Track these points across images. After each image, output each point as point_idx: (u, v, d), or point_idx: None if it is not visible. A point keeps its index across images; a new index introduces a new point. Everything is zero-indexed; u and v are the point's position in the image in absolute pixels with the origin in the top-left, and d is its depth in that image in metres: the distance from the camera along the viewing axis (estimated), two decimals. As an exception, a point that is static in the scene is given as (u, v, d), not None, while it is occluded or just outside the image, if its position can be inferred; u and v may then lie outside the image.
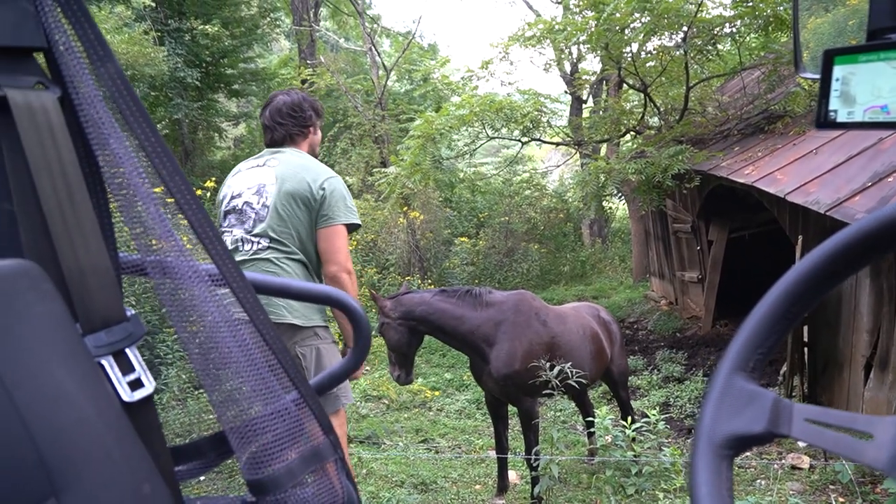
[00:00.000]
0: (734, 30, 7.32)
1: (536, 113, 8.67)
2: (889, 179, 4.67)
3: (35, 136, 0.59)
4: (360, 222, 2.99)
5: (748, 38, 8.04)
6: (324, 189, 2.82)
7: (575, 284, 13.90)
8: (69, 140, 0.61)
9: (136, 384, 0.63)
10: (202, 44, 14.79)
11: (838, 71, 0.73)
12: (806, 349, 5.72)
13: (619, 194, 12.39)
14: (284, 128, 2.97)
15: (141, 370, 0.64)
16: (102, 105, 0.61)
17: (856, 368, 5.23)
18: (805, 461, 4.89)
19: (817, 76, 0.85)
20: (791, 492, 4.29)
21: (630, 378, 6.66)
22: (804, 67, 0.86)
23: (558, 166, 14.17)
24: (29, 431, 0.50)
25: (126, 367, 0.63)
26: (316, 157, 3.09)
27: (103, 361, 0.61)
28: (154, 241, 0.63)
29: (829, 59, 0.73)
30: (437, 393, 7.16)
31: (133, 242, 0.64)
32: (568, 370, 3.89)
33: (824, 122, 0.75)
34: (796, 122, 6.59)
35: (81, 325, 0.61)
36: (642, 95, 9.11)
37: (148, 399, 0.64)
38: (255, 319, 0.69)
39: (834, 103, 0.74)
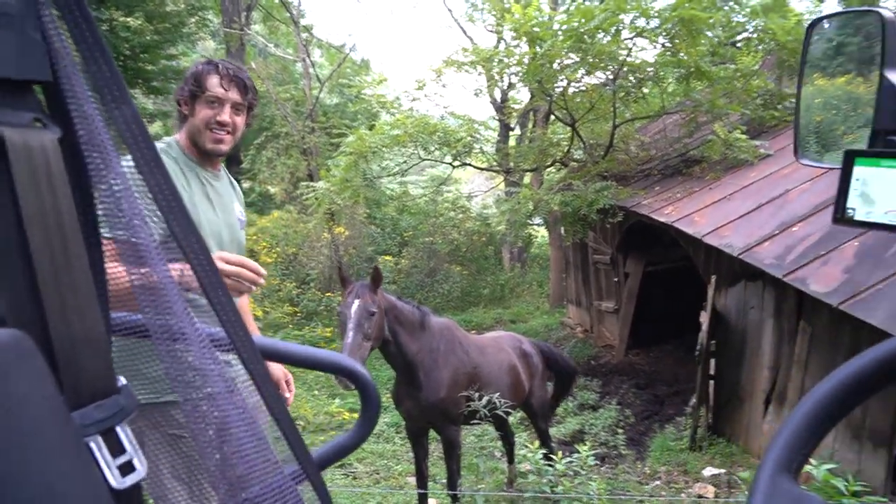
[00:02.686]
0: (658, 76, 7.74)
1: (470, 138, 8.79)
2: (794, 229, 5.05)
3: (31, 182, 0.51)
4: None
5: (669, 85, 8.54)
6: None
7: (494, 307, 14.09)
8: (68, 188, 0.53)
9: (127, 467, 0.55)
10: (122, 36, 14.01)
11: (859, 171, 0.75)
12: (712, 382, 6.05)
13: (542, 223, 12.73)
14: None
15: (133, 451, 0.56)
16: (112, 150, 0.54)
17: (756, 402, 5.58)
18: (710, 490, 5.13)
19: (818, 165, 0.89)
20: (699, 521, 4.47)
21: (548, 405, 6.79)
22: (803, 155, 0.90)
23: (486, 192, 14.38)
24: None
25: (116, 448, 0.55)
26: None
27: (91, 442, 0.53)
28: (161, 305, 0.56)
29: (850, 159, 0.76)
30: (355, 415, 7.00)
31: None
32: (496, 400, 3.91)
33: (842, 217, 0.78)
34: (712, 167, 7.02)
35: (68, 399, 0.53)
36: (569, 129, 9.45)
37: (139, 485, 0.56)
38: (261, 388, 0.63)
39: (853, 201, 0.76)
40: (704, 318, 5.87)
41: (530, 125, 14.18)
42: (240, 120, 2.03)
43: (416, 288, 12.95)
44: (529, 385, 4.83)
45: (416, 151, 9.25)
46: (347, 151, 8.41)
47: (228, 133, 2.01)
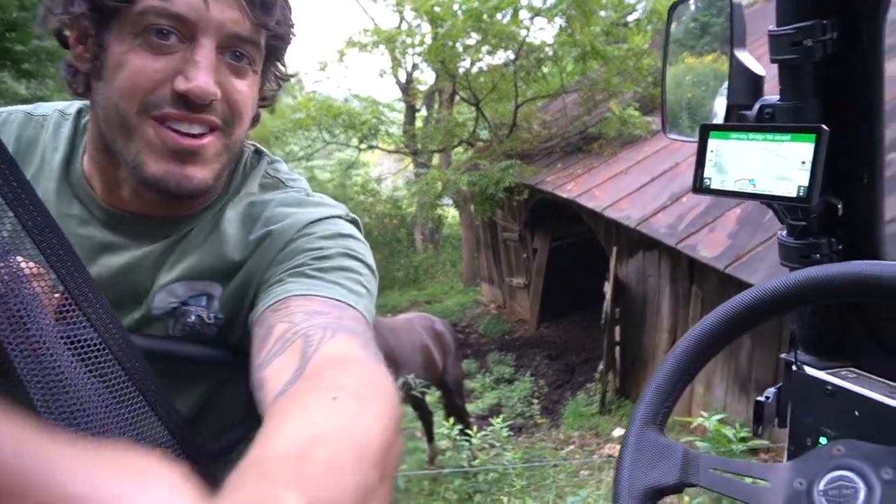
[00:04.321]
0: (556, 56, 7.95)
1: (375, 121, 8.69)
2: (683, 200, 5.37)
3: None
4: None
5: (568, 64, 8.80)
6: None
7: (409, 289, 14.14)
8: None
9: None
10: (-17, 14, 12.70)
11: (713, 144, 0.81)
12: (618, 348, 6.38)
13: (452, 203, 12.85)
14: None
15: None
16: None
17: (658, 363, 5.93)
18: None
19: (683, 139, 0.95)
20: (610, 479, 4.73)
21: (465, 382, 6.93)
22: (671, 130, 0.95)
23: (395, 174, 14.32)
24: None
25: None
26: None
27: None
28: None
29: (704, 133, 0.82)
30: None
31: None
32: (411, 381, 3.95)
33: (700, 187, 0.83)
34: (609, 143, 7.33)
35: None
36: (474, 109, 9.56)
37: None
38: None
39: (708, 171, 0.82)
40: (608, 288, 6.16)
41: (436, 106, 14.22)
42: (245, 89, 0.73)
43: (329, 274, 12.74)
44: (443, 364, 4.91)
45: (320, 135, 9.04)
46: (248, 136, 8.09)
47: (214, 132, 0.72)
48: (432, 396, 6.83)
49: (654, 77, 8.10)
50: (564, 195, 6.63)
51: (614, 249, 6.07)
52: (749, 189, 0.79)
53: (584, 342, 8.76)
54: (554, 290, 9.30)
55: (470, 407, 6.63)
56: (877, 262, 0.61)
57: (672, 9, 0.92)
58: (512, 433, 6.17)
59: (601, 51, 7.51)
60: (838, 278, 0.62)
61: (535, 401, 7.06)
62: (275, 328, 0.64)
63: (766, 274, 4.06)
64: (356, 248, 0.78)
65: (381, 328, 4.32)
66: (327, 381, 0.52)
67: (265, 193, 0.83)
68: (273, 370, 0.58)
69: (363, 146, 9.98)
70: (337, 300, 0.69)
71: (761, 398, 0.88)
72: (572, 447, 5.63)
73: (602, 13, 7.43)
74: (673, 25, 0.93)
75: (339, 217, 0.83)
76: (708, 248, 4.62)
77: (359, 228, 0.86)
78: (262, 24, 0.70)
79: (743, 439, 3.00)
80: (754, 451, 3.57)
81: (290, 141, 10.63)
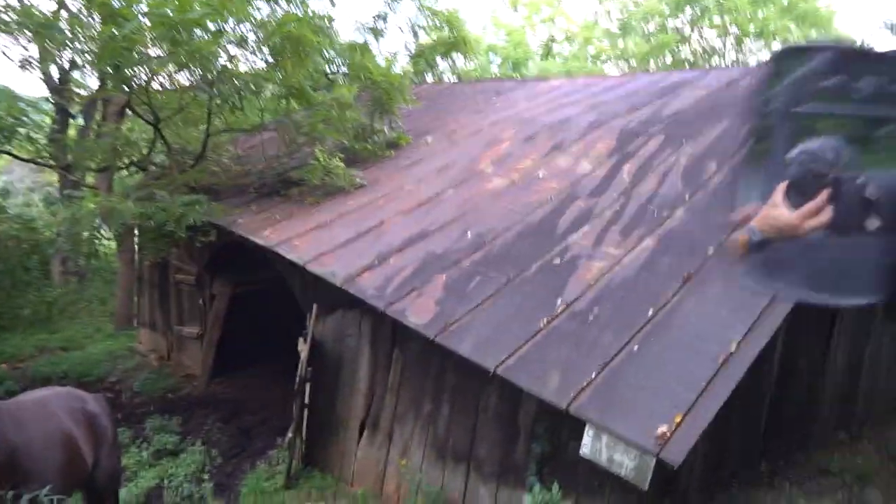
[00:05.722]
0: (258, 89, 7.33)
1: (12, 120, 6.74)
2: (391, 260, 5.29)
3: None
4: None
5: (269, 101, 8.24)
6: None
7: (37, 332, 11.33)
8: None
9: None
10: None
11: None
12: (306, 411, 5.89)
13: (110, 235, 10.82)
14: None
15: None
16: None
17: (352, 430, 5.65)
18: None
19: None
20: None
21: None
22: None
23: (32, 188, 11.50)
24: None
25: None
26: None
27: None
28: None
29: None
30: None
31: None
32: (45, 499, 2.84)
33: None
34: (311, 191, 6.96)
35: None
36: (152, 128, 8.22)
37: None
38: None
39: None
40: (304, 346, 5.68)
41: (97, 116, 12.02)
42: None
43: None
44: (95, 456, 3.76)
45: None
46: None
47: None
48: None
49: (357, 131, 8.11)
50: (261, 242, 5.99)
51: (314, 307, 5.63)
52: None
53: (262, 399, 8.01)
54: (232, 341, 8.38)
55: (122, 492, 5.31)
56: None
57: (781, 57, 0.64)
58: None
59: (308, 94, 7.18)
60: None
61: (206, 476, 6.07)
62: None
63: (473, 344, 4.13)
64: None
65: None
66: None
67: None
68: None
69: (-8, 150, 7.67)
70: None
71: None
72: None
73: (318, 58, 7.14)
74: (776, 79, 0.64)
75: None
76: (417, 314, 4.55)
77: None
78: None
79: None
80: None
81: None
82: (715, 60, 24.09)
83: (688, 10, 23.41)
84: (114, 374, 9.10)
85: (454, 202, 6.11)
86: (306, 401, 5.84)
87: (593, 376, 3.67)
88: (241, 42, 6.71)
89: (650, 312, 4.03)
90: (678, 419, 3.29)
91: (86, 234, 6.80)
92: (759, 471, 4.99)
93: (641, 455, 3.25)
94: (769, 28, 21.34)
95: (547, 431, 4.26)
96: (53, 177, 11.12)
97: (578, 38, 26.07)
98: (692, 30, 24.51)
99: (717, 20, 24.39)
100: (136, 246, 11.64)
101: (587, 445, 3.48)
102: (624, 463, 3.33)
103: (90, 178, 10.70)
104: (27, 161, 9.06)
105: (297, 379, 5.62)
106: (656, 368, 3.66)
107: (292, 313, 7.90)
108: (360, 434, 5.56)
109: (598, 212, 5.36)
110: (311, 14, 7.14)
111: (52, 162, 9.03)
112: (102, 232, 8.00)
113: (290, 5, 7.35)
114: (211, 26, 6.55)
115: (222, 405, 7.83)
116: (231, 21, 6.58)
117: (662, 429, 3.28)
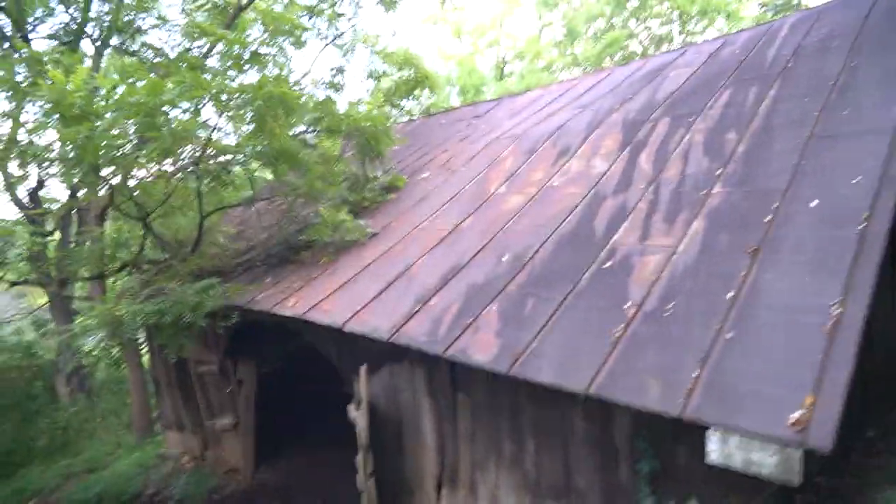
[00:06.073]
0: (246, 158, 7.08)
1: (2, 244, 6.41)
2: (432, 301, 4.98)
3: None
4: None
5: (258, 169, 7.99)
6: None
7: (58, 459, 10.78)
8: None
9: None
10: None
11: None
12: (373, 481, 5.49)
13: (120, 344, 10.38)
14: None
15: None
16: None
17: (427, 490, 5.25)
18: None
19: None
20: None
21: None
22: None
23: (18, 315, 11.06)
24: None
25: None
26: None
27: None
28: None
29: None
30: None
31: None
32: None
33: None
34: (322, 250, 6.67)
35: None
36: (141, 225, 7.90)
37: None
38: None
39: None
40: (358, 413, 5.31)
41: (74, 226, 11.72)
42: None
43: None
44: None
45: None
46: None
47: None
48: None
49: (350, 182, 7.87)
50: (289, 313, 5.66)
51: (362, 368, 5.28)
52: None
53: (314, 480, 7.57)
54: (269, 425, 7.96)
55: None
56: None
57: None
58: None
59: (296, 154, 6.93)
60: None
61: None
62: None
63: (554, 370, 3.82)
64: None
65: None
66: None
67: None
68: None
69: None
70: None
71: None
72: None
73: (305, 115, 6.93)
74: None
75: None
76: (480, 352, 4.23)
77: None
78: None
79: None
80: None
81: None
82: (664, 48, 24.47)
83: (629, 4, 23.85)
84: (150, 486, 8.58)
85: (477, 229, 5.85)
86: (370, 469, 5.46)
87: (696, 374, 3.37)
88: (224, 109, 6.45)
89: (729, 294, 3.77)
90: (809, 401, 3.00)
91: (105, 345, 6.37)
92: (871, 439, 4.69)
93: (783, 449, 2.94)
94: (711, 4, 21.75)
95: (651, 446, 3.93)
96: (39, 299, 10.69)
97: (528, 54, 26.38)
98: (637, 23, 24.96)
99: (656, 9, 24.89)
100: (139, 349, 11.21)
101: (715, 451, 3.16)
102: (764, 462, 3.01)
103: (79, 290, 10.31)
104: (13, 283, 8.69)
105: (359, 449, 5.24)
106: (760, 352, 3.37)
107: (325, 383, 7.54)
108: (438, 493, 5.16)
109: (631, 206, 5.13)
110: (283, 73, 6.93)
111: (36, 280, 8.66)
112: (123, 339, 7.56)
113: (262, 71, 7.14)
114: (187, 105, 6.31)
115: (274, 494, 7.36)
116: (206, 96, 6.34)
117: (795, 415, 2.99)
